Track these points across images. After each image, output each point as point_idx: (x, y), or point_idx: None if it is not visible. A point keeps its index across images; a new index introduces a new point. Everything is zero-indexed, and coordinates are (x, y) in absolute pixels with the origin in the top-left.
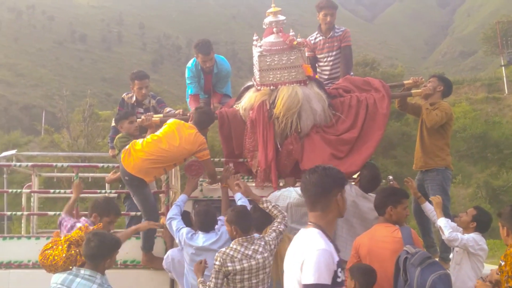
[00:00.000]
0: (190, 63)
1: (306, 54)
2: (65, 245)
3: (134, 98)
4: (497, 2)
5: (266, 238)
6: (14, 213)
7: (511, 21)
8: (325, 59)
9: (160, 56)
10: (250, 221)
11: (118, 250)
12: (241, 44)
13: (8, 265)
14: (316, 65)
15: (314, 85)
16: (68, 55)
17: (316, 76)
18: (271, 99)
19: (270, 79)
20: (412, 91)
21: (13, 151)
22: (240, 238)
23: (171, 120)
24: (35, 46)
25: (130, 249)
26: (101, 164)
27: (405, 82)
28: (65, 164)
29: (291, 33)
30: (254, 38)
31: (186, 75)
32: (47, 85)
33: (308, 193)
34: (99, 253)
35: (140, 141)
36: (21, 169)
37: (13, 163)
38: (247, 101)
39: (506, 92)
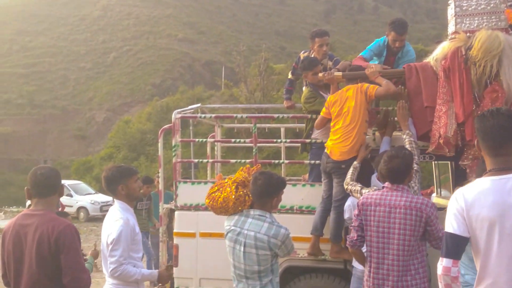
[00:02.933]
0: (380, 39)
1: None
2: (233, 187)
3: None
4: None
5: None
6: (200, 160)
7: None
8: None
9: (332, 6)
10: None
11: (284, 188)
12: None
13: (197, 207)
14: None
15: None
16: (244, 11)
17: None
18: (467, 45)
19: (467, 26)
20: None
21: (198, 105)
22: None
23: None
24: (213, 3)
25: (305, 196)
26: (277, 115)
27: None
28: (244, 115)
29: None
30: None
31: (370, 46)
32: (225, 41)
33: None
34: (266, 191)
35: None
36: (205, 121)
37: (198, 114)
38: (440, 51)
39: None
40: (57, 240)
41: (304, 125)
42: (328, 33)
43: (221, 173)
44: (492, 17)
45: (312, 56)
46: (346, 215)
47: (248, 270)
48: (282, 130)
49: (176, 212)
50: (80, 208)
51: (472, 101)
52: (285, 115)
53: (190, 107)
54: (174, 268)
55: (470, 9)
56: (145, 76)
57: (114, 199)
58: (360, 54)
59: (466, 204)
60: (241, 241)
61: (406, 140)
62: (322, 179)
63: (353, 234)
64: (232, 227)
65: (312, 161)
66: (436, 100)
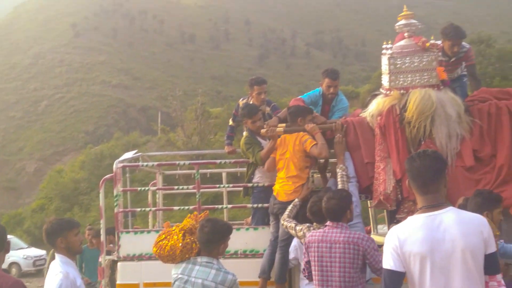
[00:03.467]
0: (316, 90)
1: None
2: (180, 234)
3: None
4: None
5: None
6: (143, 209)
7: None
8: None
9: (266, 50)
10: None
11: (230, 234)
12: (346, 31)
13: (140, 257)
14: None
15: (448, 90)
16: (179, 56)
17: None
18: (401, 103)
19: (401, 82)
20: None
21: (134, 151)
22: None
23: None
24: (148, 50)
25: (249, 240)
26: (219, 161)
27: None
28: (187, 162)
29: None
30: (384, 45)
31: (308, 93)
32: (161, 86)
33: None
34: (213, 238)
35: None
36: (146, 168)
37: (140, 163)
38: (375, 107)
39: None
40: None
41: (245, 169)
42: (266, 81)
43: (168, 221)
44: (425, 74)
45: (251, 103)
46: (291, 256)
47: None
48: (224, 174)
49: (118, 263)
50: (12, 264)
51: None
52: (227, 160)
53: (131, 156)
54: None
55: (404, 66)
56: (78, 124)
57: (55, 253)
58: (300, 97)
59: (399, 241)
60: None
61: (338, 174)
62: (270, 221)
63: (303, 270)
64: (180, 275)
65: (255, 205)
66: (374, 156)
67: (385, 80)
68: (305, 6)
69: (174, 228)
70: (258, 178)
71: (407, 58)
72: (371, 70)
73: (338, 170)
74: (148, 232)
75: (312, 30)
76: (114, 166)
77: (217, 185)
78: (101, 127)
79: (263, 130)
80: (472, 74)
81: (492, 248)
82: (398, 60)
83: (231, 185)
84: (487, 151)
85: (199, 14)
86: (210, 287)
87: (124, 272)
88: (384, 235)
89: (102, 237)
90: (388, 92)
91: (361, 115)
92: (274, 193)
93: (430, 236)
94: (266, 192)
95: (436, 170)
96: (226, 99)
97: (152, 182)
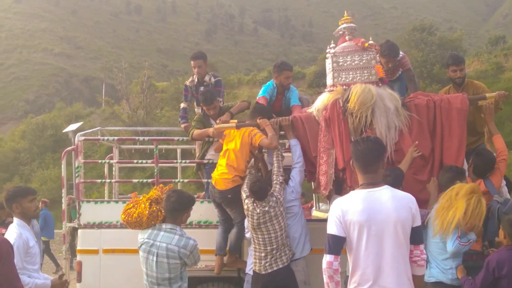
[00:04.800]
0: (268, 83)
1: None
2: (147, 203)
3: (196, 80)
4: None
5: (275, 194)
6: (103, 180)
7: None
8: None
9: (213, 26)
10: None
11: (193, 205)
12: (294, 10)
13: (100, 225)
14: None
15: (386, 87)
16: (124, 27)
17: None
18: (344, 97)
19: (343, 79)
20: (487, 94)
21: (79, 124)
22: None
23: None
24: (92, 18)
25: (203, 212)
26: (177, 138)
27: (488, 95)
28: (146, 138)
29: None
30: (328, 48)
31: (263, 88)
32: (105, 57)
33: None
34: (178, 207)
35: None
36: (105, 142)
37: (101, 137)
38: (320, 103)
39: None
40: None
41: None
42: (201, 55)
43: (136, 192)
44: (365, 72)
45: (194, 79)
46: (247, 234)
47: (160, 277)
48: (178, 151)
49: (79, 230)
50: None
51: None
52: (184, 138)
53: (71, 126)
54: (78, 284)
55: (345, 64)
56: (18, 92)
57: (13, 217)
58: (261, 95)
59: (342, 211)
60: (154, 252)
61: (274, 154)
62: (215, 207)
63: None
64: (146, 239)
65: (207, 180)
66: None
67: (329, 78)
68: None
69: (141, 198)
70: (210, 155)
71: (348, 57)
72: (318, 51)
73: (274, 152)
74: (108, 202)
75: (260, 8)
76: (76, 139)
77: (175, 160)
78: (42, 96)
79: (214, 128)
80: (409, 79)
81: (418, 222)
82: (340, 58)
83: (187, 161)
84: (426, 145)
85: None
86: (174, 250)
87: (84, 239)
88: (325, 211)
89: (64, 206)
90: (332, 88)
91: (307, 111)
92: (213, 182)
93: (368, 208)
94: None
95: (376, 153)
96: (173, 73)
97: (109, 155)
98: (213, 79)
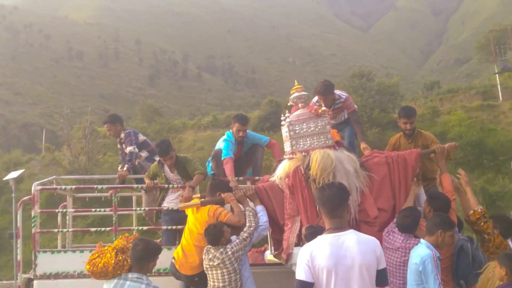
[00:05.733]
0: (226, 136)
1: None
2: (113, 253)
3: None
4: (490, 9)
5: (228, 246)
6: (60, 230)
7: (503, 29)
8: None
9: (156, 71)
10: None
11: (159, 254)
12: (237, 57)
13: (57, 276)
14: None
15: (343, 149)
16: (66, 73)
17: None
18: (304, 164)
19: (301, 146)
20: (435, 146)
21: (20, 171)
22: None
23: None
24: (32, 64)
25: (163, 259)
26: (136, 185)
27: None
28: (105, 186)
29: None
30: (282, 117)
31: (224, 145)
32: (45, 103)
33: None
34: (145, 256)
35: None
36: (60, 191)
37: (58, 186)
38: (282, 171)
39: (501, 99)
40: None
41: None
42: (107, 120)
43: (101, 242)
44: (321, 137)
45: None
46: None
47: None
48: (134, 198)
49: (35, 281)
50: None
51: (315, 213)
52: (143, 186)
53: (12, 174)
54: None
55: (302, 132)
56: None
57: None
58: (227, 156)
59: (311, 256)
60: None
61: (247, 212)
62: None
63: None
64: None
65: (165, 227)
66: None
67: (287, 146)
68: (196, 30)
69: (106, 247)
70: (166, 203)
71: (304, 124)
72: (261, 96)
73: (246, 213)
74: (65, 251)
75: (203, 54)
76: (33, 188)
77: (133, 208)
78: None
79: (180, 205)
80: (355, 120)
81: (383, 265)
82: (296, 126)
83: (146, 208)
84: (388, 202)
85: (87, 31)
86: None
87: None
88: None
89: (19, 257)
90: (291, 155)
91: (270, 179)
92: (177, 266)
93: (335, 253)
94: (171, 215)
95: (341, 198)
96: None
97: (62, 204)
98: (122, 135)
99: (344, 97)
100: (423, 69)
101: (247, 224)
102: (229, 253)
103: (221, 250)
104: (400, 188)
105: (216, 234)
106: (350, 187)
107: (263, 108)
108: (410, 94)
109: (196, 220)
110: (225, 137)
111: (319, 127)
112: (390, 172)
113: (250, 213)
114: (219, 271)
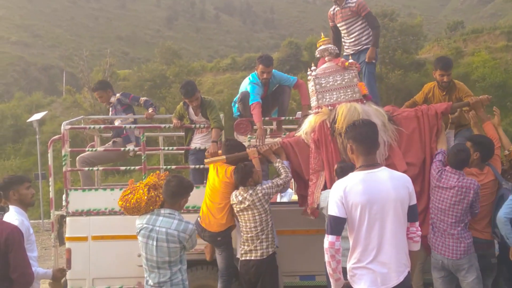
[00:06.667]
0: (252, 78)
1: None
2: (145, 189)
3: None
4: None
5: (258, 187)
6: (91, 168)
7: None
8: (342, 28)
9: (174, 12)
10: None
11: (192, 191)
12: None
13: (88, 213)
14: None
15: (372, 103)
16: (83, 14)
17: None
18: (330, 118)
19: (327, 100)
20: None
21: (43, 113)
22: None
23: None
24: (49, 6)
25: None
26: (163, 125)
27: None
28: (133, 126)
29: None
30: (309, 71)
31: (251, 88)
32: (64, 45)
33: None
34: (178, 192)
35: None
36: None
37: (87, 126)
38: (307, 125)
39: None
40: (6, 241)
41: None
42: (96, 87)
43: (132, 179)
44: (348, 91)
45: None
46: None
47: (160, 261)
48: (161, 138)
49: (67, 218)
50: None
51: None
52: (170, 125)
53: (35, 115)
54: (68, 271)
55: (328, 85)
56: None
57: (9, 205)
58: (254, 101)
59: (344, 193)
60: (153, 237)
61: (279, 166)
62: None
63: None
64: (145, 225)
65: (194, 166)
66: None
67: (313, 100)
68: None
69: (138, 184)
70: (193, 143)
71: (330, 78)
72: (280, 38)
73: (277, 165)
74: (96, 189)
75: None
76: (62, 127)
77: (161, 148)
78: (0, 86)
79: (205, 160)
80: (370, 22)
81: (414, 201)
82: (322, 80)
83: (175, 148)
84: (418, 156)
85: None
86: (173, 235)
87: (73, 226)
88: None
89: (51, 194)
90: (317, 110)
91: (296, 134)
92: (203, 224)
93: (368, 189)
94: (197, 154)
95: (377, 135)
96: (134, 60)
97: (90, 144)
98: (113, 99)
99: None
100: (447, 8)
101: (284, 174)
102: (260, 194)
103: (251, 192)
104: (430, 142)
105: (245, 174)
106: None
107: (283, 50)
108: (433, 35)
109: (216, 179)
110: (251, 79)
111: (346, 80)
112: (420, 126)
113: (282, 165)
114: (249, 212)
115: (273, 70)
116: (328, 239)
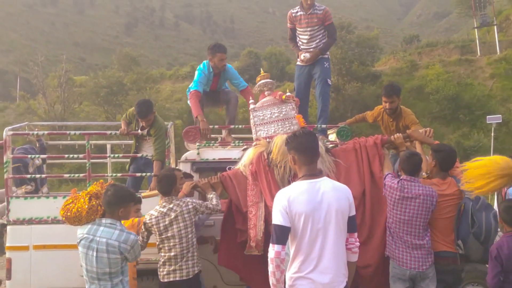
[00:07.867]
0: (201, 66)
1: (293, 105)
2: (87, 198)
3: None
4: None
5: (184, 199)
6: (33, 176)
7: None
8: (304, 32)
9: (133, 19)
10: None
11: (132, 202)
12: (215, 5)
13: (30, 221)
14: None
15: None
16: (39, 19)
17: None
18: (268, 149)
19: (265, 132)
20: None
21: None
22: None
23: None
24: (4, 9)
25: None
26: (109, 132)
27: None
28: (77, 132)
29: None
30: (250, 107)
31: (196, 74)
32: (19, 50)
33: None
34: (114, 201)
35: None
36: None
37: (30, 132)
38: (246, 158)
39: (479, 54)
40: None
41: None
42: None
43: (75, 188)
44: (286, 123)
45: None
46: None
47: (100, 272)
48: (108, 146)
49: (8, 227)
50: None
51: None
52: (116, 132)
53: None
54: (7, 282)
55: (266, 118)
56: None
57: None
58: (193, 89)
59: (288, 202)
60: (93, 247)
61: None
62: None
63: None
64: (85, 235)
65: (140, 174)
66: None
67: (253, 133)
68: None
69: (80, 193)
70: (143, 151)
71: (268, 111)
72: (239, 47)
73: (210, 195)
74: (38, 197)
75: (181, 2)
76: (4, 133)
77: (107, 155)
78: None
79: (142, 194)
80: (330, 32)
81: (353, 212)
82: (260, 113)
83: (120, 155)
84: (357, 189)
85: None
86: (114, 245)
87: (14, 235)
88: None
89: None
90: (256, 142)
91: (235, 167)
92: None
93: (312, 199)
94: (139, 162)
95: (317, 144)
96: (91, 67)
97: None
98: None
99: (323, 7)
100: (403, 22)
101: (215, 202)
102: (190, 206)
103: (178, 202)
104: (371, 173)
105: (168, 181)
106: None
107: (242, 59)
108: (389, 47)
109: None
110: (201, 67)
111: (283, 113)
112: (358, 159)
113: (216, 197)
114: (174, 227)
115: (228, 65)
116: (274, 249)
